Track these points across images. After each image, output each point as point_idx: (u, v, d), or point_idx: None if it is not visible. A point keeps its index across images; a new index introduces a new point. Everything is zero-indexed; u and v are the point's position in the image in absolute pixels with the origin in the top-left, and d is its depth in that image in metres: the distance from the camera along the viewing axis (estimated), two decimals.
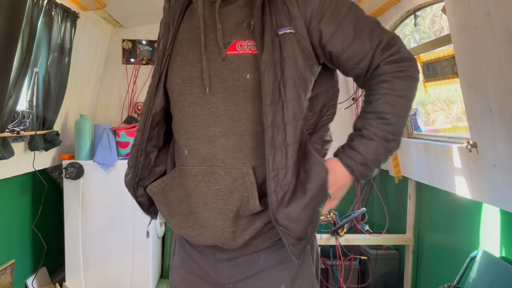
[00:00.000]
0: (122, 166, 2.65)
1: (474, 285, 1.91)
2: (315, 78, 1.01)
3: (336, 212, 2.84)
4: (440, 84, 2.41)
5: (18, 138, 2.10)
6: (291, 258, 0.96)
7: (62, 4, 2.18)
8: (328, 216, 2.83)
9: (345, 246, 2.89)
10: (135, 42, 3.25)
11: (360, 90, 3.05)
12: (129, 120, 3.13)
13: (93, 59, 2.95)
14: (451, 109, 3.27)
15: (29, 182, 2.55)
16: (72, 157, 2.65)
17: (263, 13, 0.95)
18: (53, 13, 2.11)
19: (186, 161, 1.01)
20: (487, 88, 1.67)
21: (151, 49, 3.26)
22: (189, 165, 1.00)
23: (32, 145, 2.24)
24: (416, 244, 2.81)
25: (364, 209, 2.83)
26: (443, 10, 1.88)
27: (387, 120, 0.94)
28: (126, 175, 1.10)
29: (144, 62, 3.26)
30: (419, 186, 2.74)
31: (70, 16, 2.28)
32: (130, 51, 3.25)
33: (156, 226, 2.83)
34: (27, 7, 1.75)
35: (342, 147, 0.99)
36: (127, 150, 2.73)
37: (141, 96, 3.27)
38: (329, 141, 1.07)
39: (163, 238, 3.12)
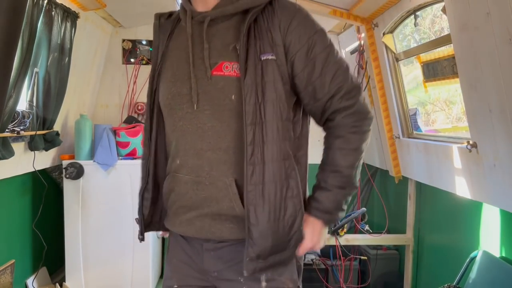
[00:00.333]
0: (122, 166, 2.66)
1: (474, 285, 1.91)
2: (294, 102, 1.09)
3: None
4: (440, 84, 2.41)
5: (18, 138, 2.10)
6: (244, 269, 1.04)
7: (62, 4, 2.18)
8: None
9: (345, 246, 2.89)
10: (135, 42, 3.25)
11: None
12: (129, 120, 3.13)
13: (93, 59, 2.95)
14: (451, 110, 3.27)
15: (29, 182, 2.55)
16: (72, 157, 2.65)
17: (248, 38, 1.02)
18: (53, 13, 2.11)
19: (178, 169, 1.10)
20: (487, 88, 1.67)
21: (151, 49, 3.26)
22: (181, 173, 1.09)
23: (32, 145, 2.24)
24: (416, 244, 2.81)
25: (364, 209, 2.84)
26: (443, 10, 1.88)
27: (341, 173, 1.07)
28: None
29: (144, 62, 3.26)
30: (419, 186, 2.74)
31: (70, 16, 2.28)
32: (130, 51, 3.25)
33: None
34: (27, 7, 1.75)
35: (309, 200, 1.12)
36: (127, 150, 2.74)
37: (141, 96, 3.27)
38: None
39: (163, 238, 3.12)
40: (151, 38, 3.20)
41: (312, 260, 3.06)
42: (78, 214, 2.62)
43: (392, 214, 3.13)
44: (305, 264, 2.95)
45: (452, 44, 1.91)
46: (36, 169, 2.33)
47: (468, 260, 2.02)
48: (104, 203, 2.63)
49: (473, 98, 1.80)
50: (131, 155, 2.74)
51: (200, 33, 1.05)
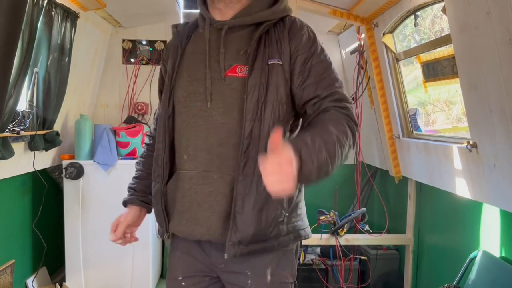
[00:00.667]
0: (122, 166, 2.66)
1: (474, 285, 1.91)
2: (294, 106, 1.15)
3: (336, 212, 2.84)
4: (440, 84, 2.41)
5: (18, 138, 2.10)
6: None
7: (62, 4, 2.18)
8: (328, 216, 2.83)
9: (345, 246, 2.89)
10: (135, 42, 3.25)
11: (360, 90, 3.05)
12: (129, 120, 3.13)
13: (93, 59, 2.95)
14: (451, 110, 3.27)
15: (29, 182, 2.55)
16: (72, 157, 2.65)
17: (259, 45, 1.12)
18: (53, 13, 2.11)
19: (184, 165, 1.15)
20: (487, 88, 1.67)
21: (151, 49, 3.26)
22: (186, 169, 1.14)
23: (32, 145, 2.24)
24: (416, 244, 2.81)
25: (364, 209, 2.84)
26: (443, 10, 1.88)
27: (331, 135, 0.99)
28: (153, 187, 1.22)
29: (144, 62, 3.26)
30: (419, 186, 2.74)
31: (70, 16, 2.28)
32: (130, 51, 3.25)
33: (157, 226, 2.82)
34: (27, 7, 1.75)
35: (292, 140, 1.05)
36: (127, 150, 2.74)
37: (141, 96, 3.28)
38: None
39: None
40: (151, 38, 3.25)
41: (312, 260, 3.06)
42: (78, 214, 2.62)
43: (392, 214, 3.13)
44: (305, 264, 2.97)
45: (452, 44, 1.91)
46: (36, 169, 2.33)
47: (468, 260, 2.02)
48: (104, 203, 2.63)
49: (473, 98, 1.80)
50: (131, 155, 2.74)
51: (217, 38, 1.15)
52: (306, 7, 2.55)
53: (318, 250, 3.13)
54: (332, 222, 2.82)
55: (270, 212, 1.09)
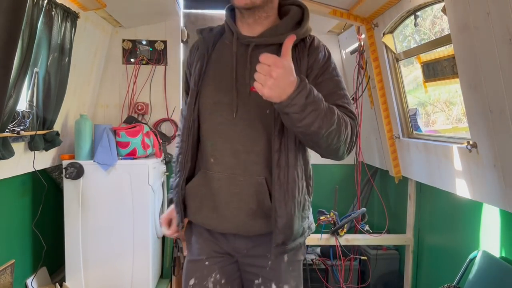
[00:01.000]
0: (122, 166, 2.66)
1: (474, 285, 1.91)
2: None
3: (336, 212, 2.84)
4: (440, 84, 2.41)
5: (18, 138, 2.10)
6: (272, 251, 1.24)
7: (62, 4, 2.17)
8: (328, 216, 2.83)
9: (345, 246, 2.89)
10: (135, 42, 3.25)
11: (360, 90, 3.05)
12: (129, 120, 3.13)
13: (93, 59, 2.95)
14: (451, 110, 3.27)
15: (29, 182, 2.55)
16: (72, 157, 2.65)
17: None
18: (53, 13, 2.11)
19: (211, 167, 1.27)
20: (487, 88, 1.67)
21: (151, 49, 3.26)
22: (214, 170, 1.26)
23: (32, 145, 2.24)
24: (416, 244, 2.81)
25: (364, 209, 2.84)
26: (443, 10, 1.89)
27: (334, 113, 1.09)
28: (174, 180, 1.37)
29: (144, 62, 3.26)
30: (419, 186, 2.74)
31: (70, 16, 2.28)
32: (130, 51, 3.25)
33: (156, 226, 2.83)
34: (27, 7, 1.75)
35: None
36: (127, 150, 2.73)
37: (141, 96, 3.28)
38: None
39: (163, 238, 3.12)
40: (151, 38, 3.25)
41: (312, 260, 3.06)
42: (78, 214, 2.62)
43: (392, 214, 3.14)
44: (305, 265, 2.97)
45: (452, 44, 1.91)
46: (36, 169, 2.33)
47: (468, 260, 2.02)
48: (104, 203, 2.63)
49: (473, 98, 1.80)
50: (131, 155, 2.74)
51: (243, 53, 1.23)
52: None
53: (318, 250, 3.13)
54: (332, 222, 2.82)
55: (304, 213, 1.27)
